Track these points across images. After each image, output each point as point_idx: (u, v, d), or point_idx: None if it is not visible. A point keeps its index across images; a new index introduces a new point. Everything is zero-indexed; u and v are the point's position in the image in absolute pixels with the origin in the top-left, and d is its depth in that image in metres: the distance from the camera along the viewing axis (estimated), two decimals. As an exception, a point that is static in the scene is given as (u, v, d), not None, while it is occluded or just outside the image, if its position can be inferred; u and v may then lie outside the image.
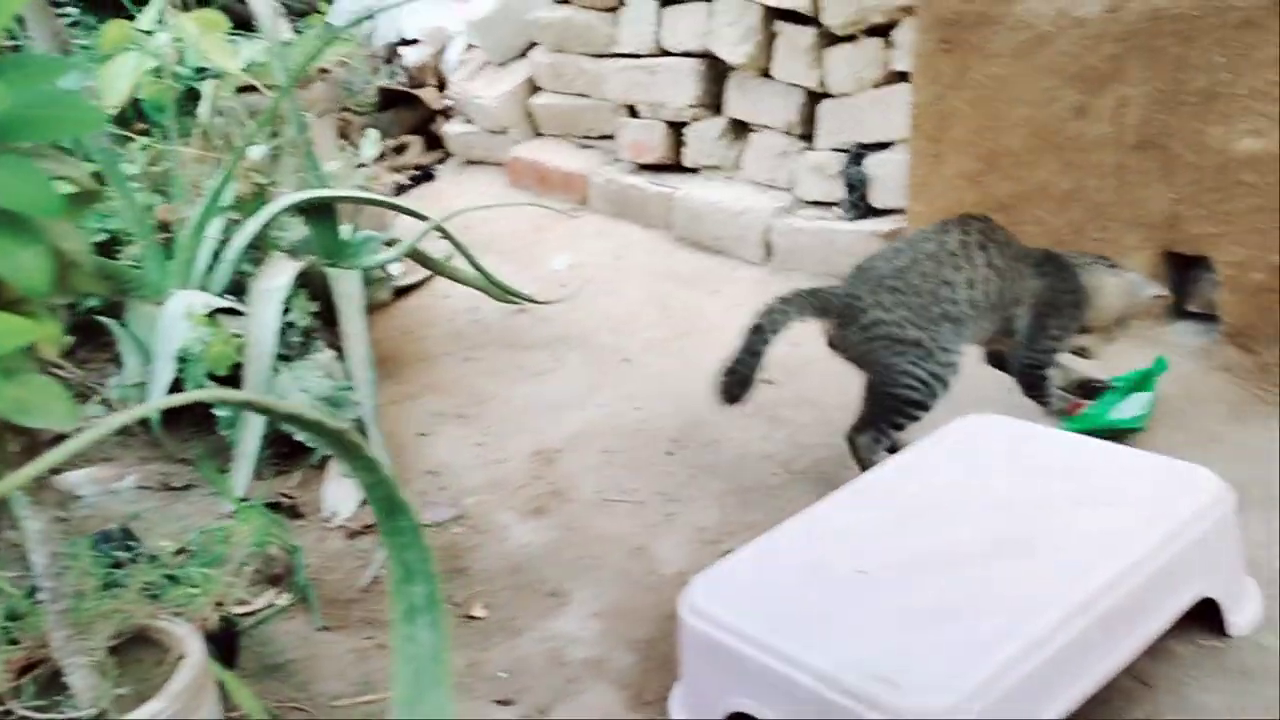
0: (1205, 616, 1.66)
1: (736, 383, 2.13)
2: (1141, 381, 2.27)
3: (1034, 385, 2.26)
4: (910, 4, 2.75)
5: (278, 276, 2.61)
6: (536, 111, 4.12)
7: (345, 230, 2.98)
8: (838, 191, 3.16)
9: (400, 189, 4.05)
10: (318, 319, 2.70)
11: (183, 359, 2.44)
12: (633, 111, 3.73)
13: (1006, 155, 2.59)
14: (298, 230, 2.99)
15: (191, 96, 3.44)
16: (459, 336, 3.03)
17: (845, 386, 2.53)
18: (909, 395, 2.10)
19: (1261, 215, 2.22)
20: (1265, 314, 2.26)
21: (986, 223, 2.20)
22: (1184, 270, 2.44)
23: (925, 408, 2.11)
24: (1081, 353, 2.28)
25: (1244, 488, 2.02)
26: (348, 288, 2.74)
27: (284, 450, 2.44)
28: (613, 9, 3.71)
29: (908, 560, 1.61)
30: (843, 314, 2.14)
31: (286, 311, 2.62)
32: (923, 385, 2.10)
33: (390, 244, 3.10)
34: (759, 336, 2.11)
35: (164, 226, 2.95)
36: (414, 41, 4.77)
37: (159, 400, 2.24)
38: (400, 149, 4.37)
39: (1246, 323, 2.29)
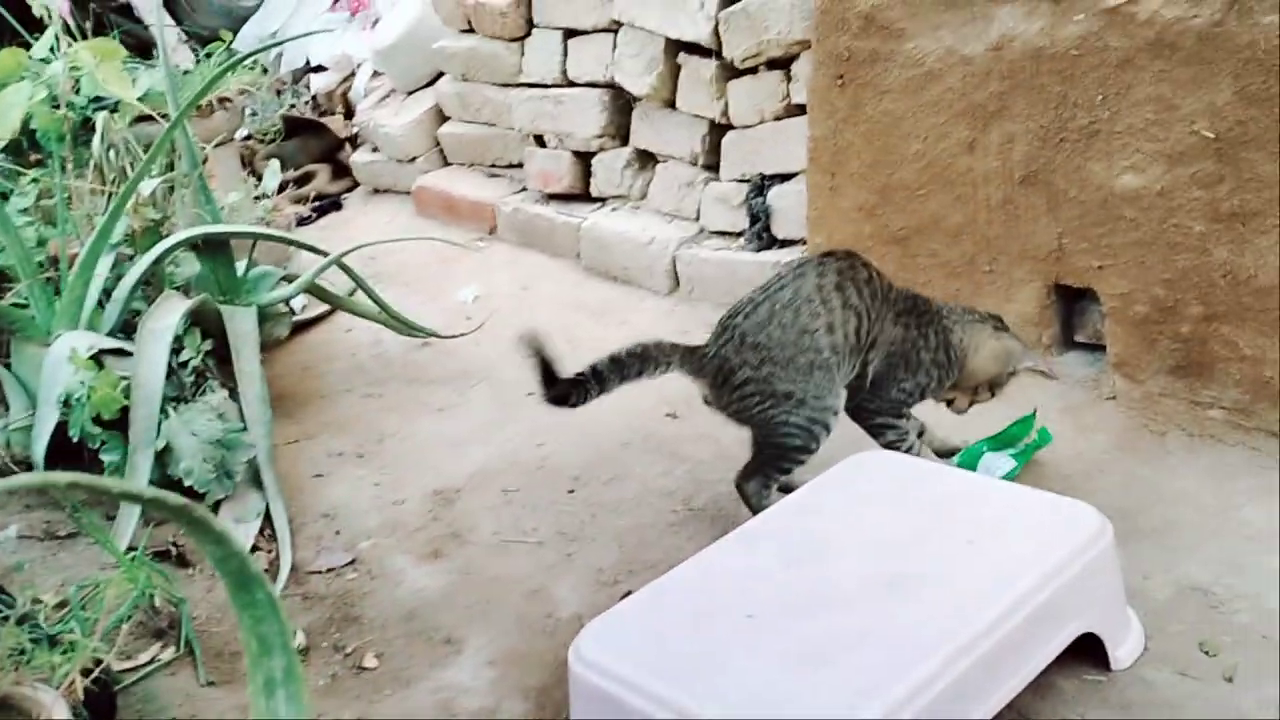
0: (1088, 651, 1.69)
1: (576, 389, 2.05)
2: (1020, 453, 2.23)
3: (878, 435, 2.20)
4: (806, 39, 2.78)
5: (167, 316, 2.55)
6: (444, 140, 4.09)
7: (241, 265, 2.92)
8: (742, 222, 3.18)
9: (303, 220, 3.98)
10: (212, 358, 2.65)
11: (67, 403, 2.38)
12: (540, 141, 3.72)
13: (900, 189, 2.63)
14: (193, 266, 2.93)
15: (87, 127, 3.37)
16: (360, 372, 2.99)
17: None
18: (790, 444, 2.09)
19: (1143, 249, 2.28)
20: (1150, 345, 2.32)
21: (847, 260, 2.12)
22: (1072, 302, 2.50)
23: (809, 451, 2.10)
24: (950, 403, 2.27)
25: (1131, 517, 2.08)
26: (243, 325, 2.69)
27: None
28: (519, 39, 3.70)
29: (796, 603, 1.61)
30: (714, 376, 2.12)
31: (179, 351, 2.57)
32: (802, 432, 2.08)
33: (289, 279, 3.05)
34: (628, 367, 2.08)
35: (55, 263, 2.87)
36: (321, 68, 4.72)
37: None
38: (306, 178, 4.31)
39: (1132, 353, 2.34)
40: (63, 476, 0.83)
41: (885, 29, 2.54)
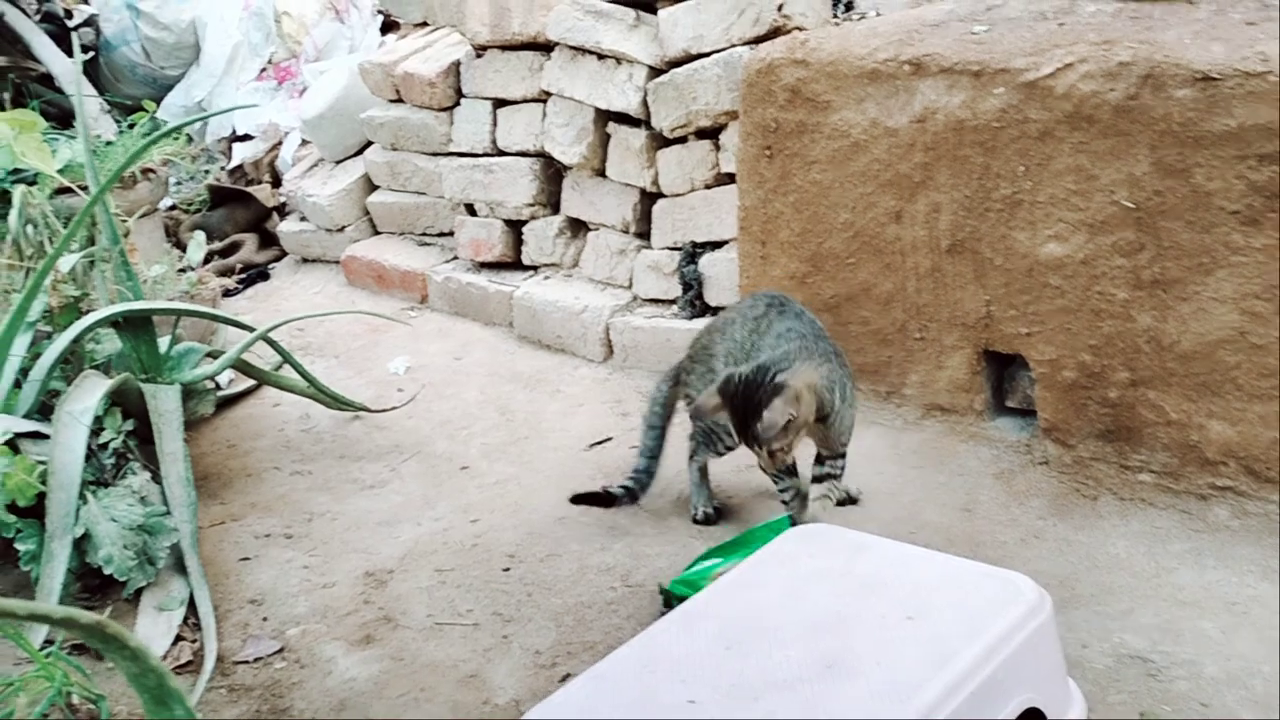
0: (1031, 724, 1.68)
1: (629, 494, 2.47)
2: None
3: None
4: (734, 109, 2.81)
5: (87, 396, 2.47)
6: (373, 209, 4.06)
7: (165, 341, 2.85)
8: (675, 289, 3.19)
9: (230, 292, 3.91)
10: (133, 438, 2.57)
11: (-20, 490, 2.28)
12: (471, 209, 3.71)
13: (830, 258, 2.65)
14: (114, 343, 2.85)
15: (4, 200, 3.28)
16: (288, 448, 2.92)
17: (684, 492, 2.53)
18: None
19: (1068, 316, 2.32)
20: (1079, 410, 2.35)
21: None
22: (1003, 367, 2.53)
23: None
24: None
25: (1067, 584, 2.09)
26: (165, 404, 2.61)
27: (94, 583, 2.30)
28: (448, 109, 3.70)
29: (737, 688, 1.58)
30: None
31: (99, 432, 2.49)
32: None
33: (214, 354, 2.98)
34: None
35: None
36: (247, 137, 4.67)
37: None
38: (232, 248, 4.24)
39: (1062, 418, 2.37)
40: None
41: (811, 101, 2.58)
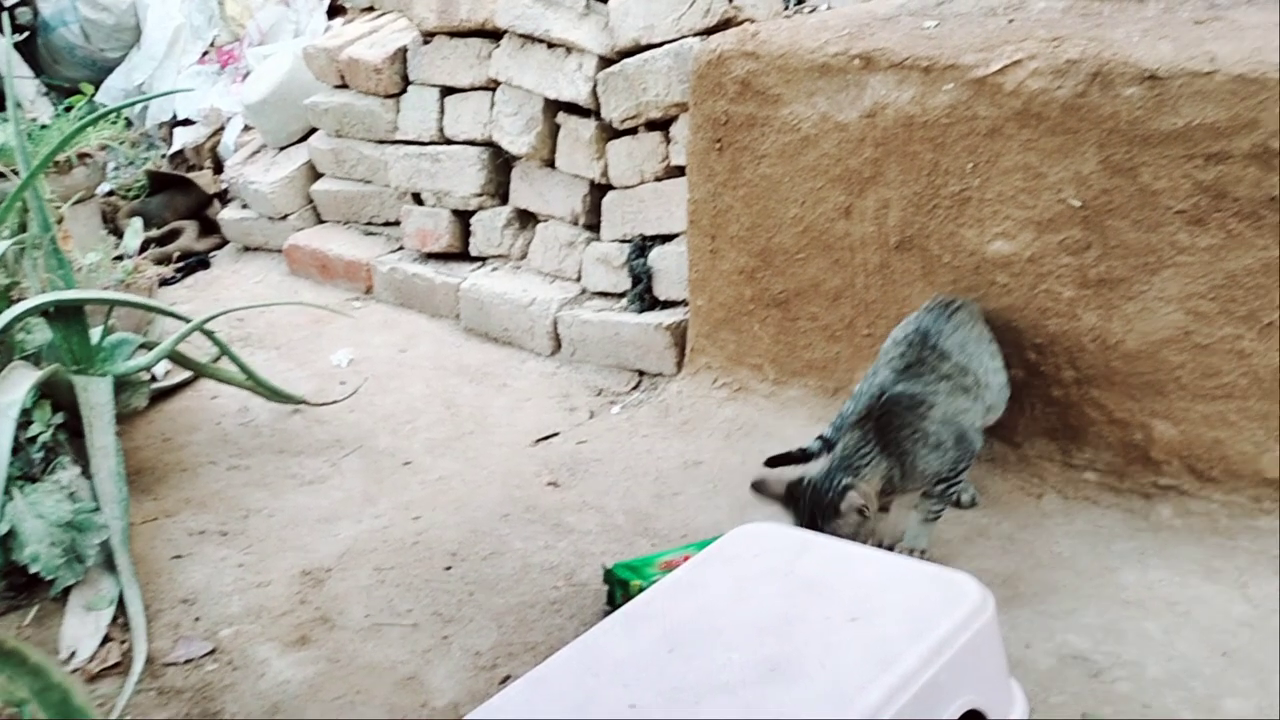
0: (974, 726, 1.67)
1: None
2: None
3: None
4: (685, 101, 2.78)
5: (14, 388, 2.39)
6: (317, 197, 3.98)
7: (97, 333, 2.77)
8: (624, 283, 3.15)
9: (167, 280, 3.82)
10: (64, 432, 2.49)
11: (-100, 487, 2.20)
12: (417, 199, 3.65)
13: (780, 252, 2.63)
14: (44, 333, 2.76)
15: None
16: (225, 442, 2.85)
17: (630, 489, 2.50)
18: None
19: (1015, 314, 2.31)
20: (1024, 408, 2.34)
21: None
22: (950, 364, 2.52)
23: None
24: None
25: (1011, 582, 2.08)
26: (97, 396, 2.53)
27: (20, 581, 2.22)
28: (394, 96, 3.63)
29: (679, 692, 1.56)
30: None
31: (27, 425, 2.41)
32: None
33: (149, 345, 2.90)
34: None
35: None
36: (189, 122, 4.56)
37: None
38: (171, 235, 4.14)
39: (1007, 416, 2.36)
40: None
41: (761, 94, 2.55)
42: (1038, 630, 1.95)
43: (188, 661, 2.05)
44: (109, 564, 2.27)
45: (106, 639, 2.13)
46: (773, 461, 2.36)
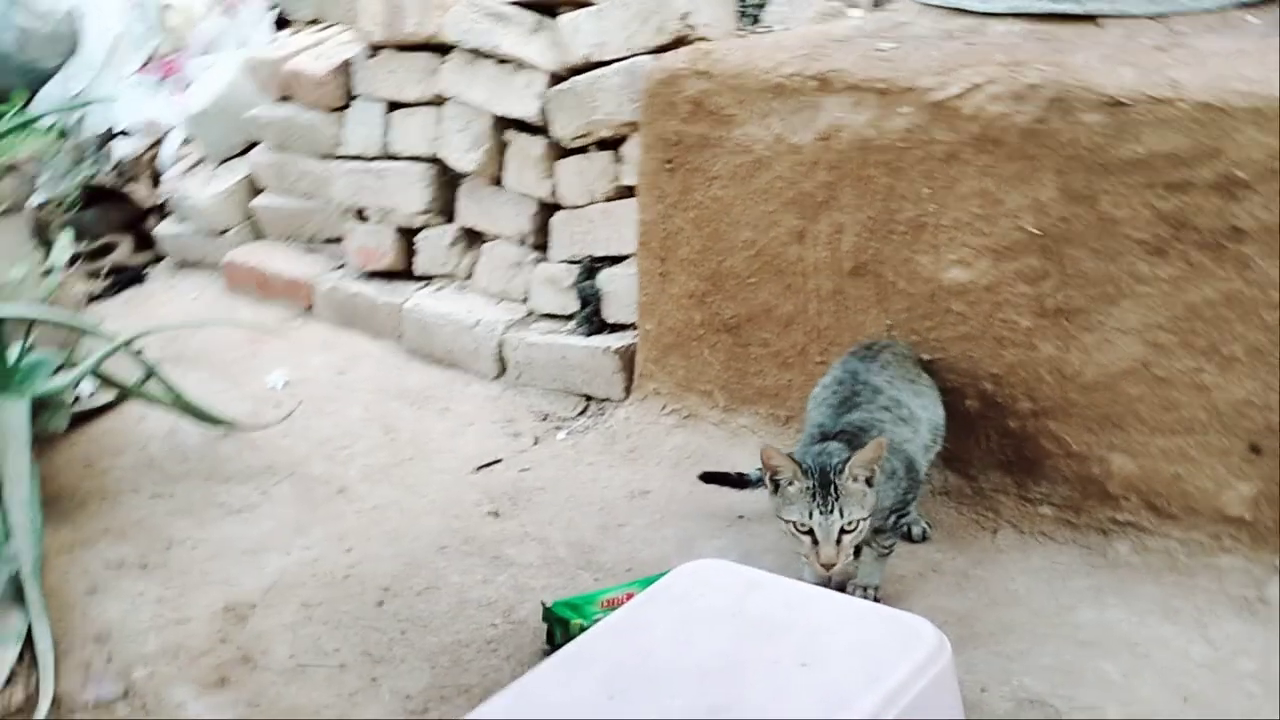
0: (928, 776, 1.59)
1: None
2: None
3: None
4: (636, 120, 2.71)
5: (-81, 411, 2.26)
6: (258, 212, 3.86)
7: (15, 351, 2.63)
8: (572, 305, 3.06)
9: (97, 296, 3.68)
10: (-27, 456, 2.36)
11: None
12: (361, 215, 3.54)
13: (731, 276, 2.56)
14: (-42, 351, 2.62)
15: None
16: (151, 468, 2.71)
17: (574, 519, 2.41)
18: None
19: (970, 343, 2.25)
20: (979, 440, 2.29)
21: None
22: (904, 393, 2.45)
23: None
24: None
25: (965, 620, 2.02)
26: (11, 418, 2.41)
27: (-79, 616, 2.09)
28: (338, 109, 3.53)
29: (618, 743, 1.47)
30: None
31: (-67, 449, 2.28)
32: None
33: (72, 364, 2.77)
34: None
35: None
36: (126, 133, 4.42)
37: None
38: (105, 249, 4.00)
39: (962, 448, 2.31)
40: None
41: (714, 114, 2.49)
42: (994, 672, 1.88)
43: (97, 704, 1.93)
44: (18, 597, 2.14)
45: (11, 677, 2.01)
46: (708, 477, 2.34)
